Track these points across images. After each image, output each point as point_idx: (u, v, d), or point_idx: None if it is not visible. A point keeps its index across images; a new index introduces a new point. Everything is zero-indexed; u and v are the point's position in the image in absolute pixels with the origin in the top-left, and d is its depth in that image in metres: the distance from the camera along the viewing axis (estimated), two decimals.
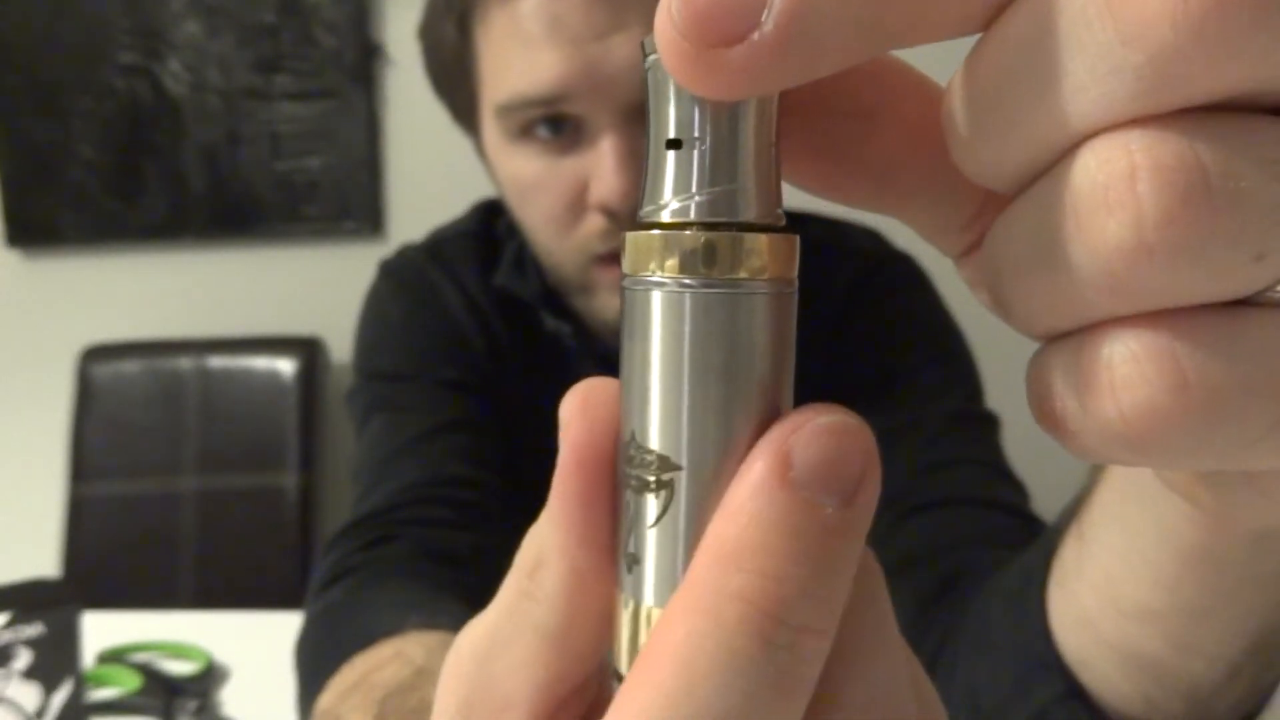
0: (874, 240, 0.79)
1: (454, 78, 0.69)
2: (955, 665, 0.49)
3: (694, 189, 0.16)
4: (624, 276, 0.17)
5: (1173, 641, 0.33)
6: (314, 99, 1.52)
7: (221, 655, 0.78)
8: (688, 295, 0.16)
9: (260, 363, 1.49)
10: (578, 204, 0.63)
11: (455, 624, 0.52)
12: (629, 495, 0.16)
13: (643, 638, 0.16)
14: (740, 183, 0.16)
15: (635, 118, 0.60)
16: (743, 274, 0.15)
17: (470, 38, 0.66)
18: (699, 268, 0.15)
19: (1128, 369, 0.14)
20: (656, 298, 0.16)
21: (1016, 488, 0.64)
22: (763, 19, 0.14)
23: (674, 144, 0.16)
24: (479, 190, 0.80)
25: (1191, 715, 0.36)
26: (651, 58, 0.16)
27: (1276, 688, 0.37)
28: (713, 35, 0.14)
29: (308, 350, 1.49)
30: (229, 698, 0.74)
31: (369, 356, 0.78)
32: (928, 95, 0.17)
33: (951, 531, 0.58)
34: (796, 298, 0.16)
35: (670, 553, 0.16)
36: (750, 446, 0.15)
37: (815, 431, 0.15)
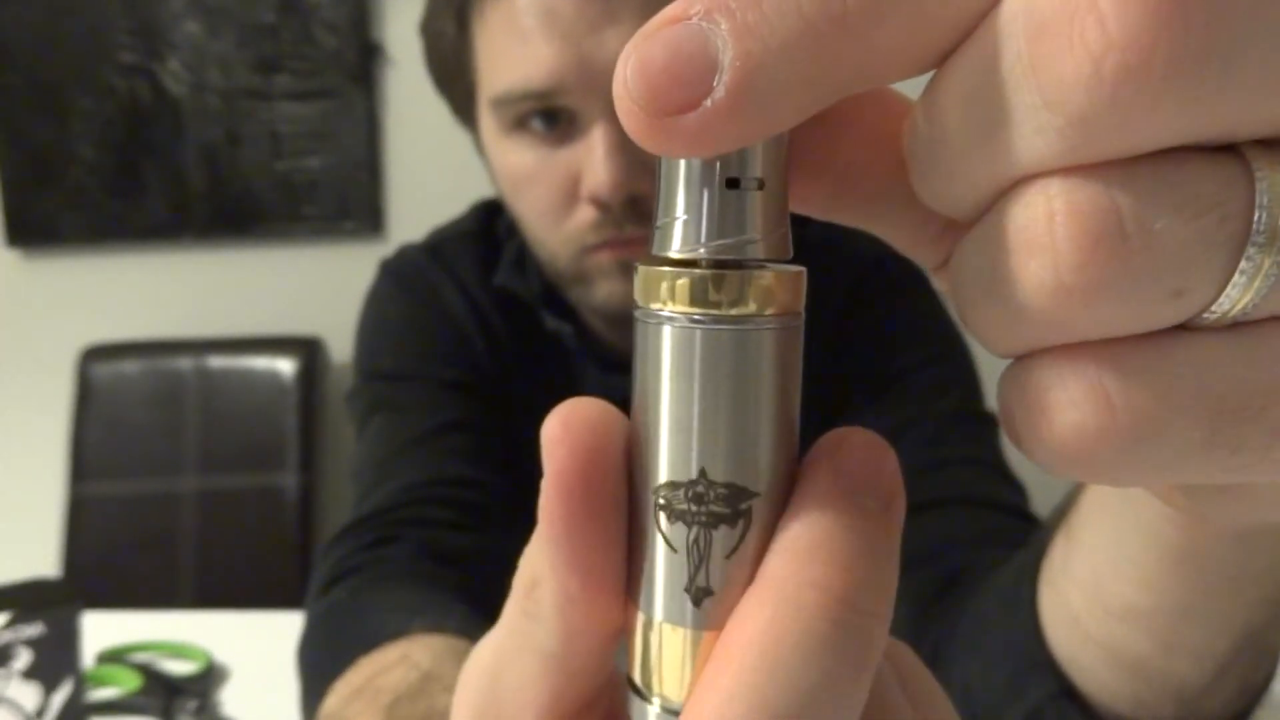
0: (874, 241, 0.78)
1: (453, 72, 0.69)
2: (952, 666, 0.49)
3: (704, 231, 0.16)
4: (635, 307, 0.17)
5: (1159, 641, 0.34)
6: (314, 99, 1.52)
7: (221, 655, 0.78)
8: (699, 331, 0.16)
9: (260, 363, 1.49)
10: (570, 196, 0.63)
11: (460, 627, 0.52)
12: (694, 532, 0.17)
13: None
14: (752, 226, 0.16)
15: None
16: (752, 311, 0.16)
17: (468, 32, 0.66)
18: (710, 304, 0.16)
19: (1057, 394, 0.15)
20: (668, 332, 0.16)
21: (1016, 487, 0.64)
22: (714, 85, 0.14)
23: (687, 182, 0.16)
24: (479, 190, 0.80)
25: (1181, 714, 0.36)
26: None
27: (1266, 689, 0.37)
28: (666, 104, 0.14)
29: (308, 350, 1.49)
30: (229, 698, 0.74)
31: (369, 356, 0.78)
32: (888, 103, 0.18)
33: (950, 531, 0.58)
34: (803, 326, 0.17)
35: (744, 576, 0.17)
36: (793, 464, 0.17)
37: (854, 446, 0.17)
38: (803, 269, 0.17)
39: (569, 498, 0.17)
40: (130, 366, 1.50)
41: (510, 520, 0.67)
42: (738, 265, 0.16)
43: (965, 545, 0.56)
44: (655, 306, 0.16)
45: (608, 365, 0.73)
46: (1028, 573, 0.41)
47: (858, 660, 0.16)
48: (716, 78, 0.14)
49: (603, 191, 0.60)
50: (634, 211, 0.61)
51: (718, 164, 0.16)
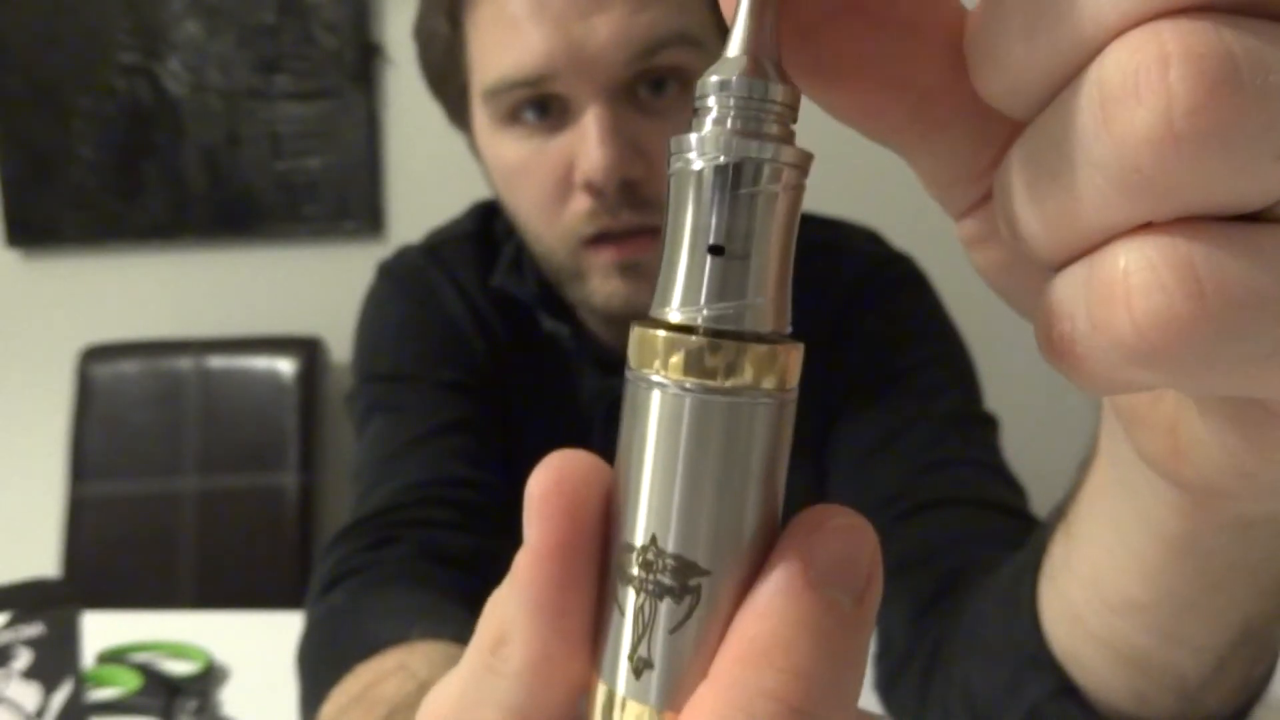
0: (874, 242, 0.79)
1: (446, 72, 0.69)
2: (952, 665, 0.49)
3: (704, 296, 0.16)
4: (628, 369, 0.17)
5: (1159, 634, 0.34)
6: (314, 99, 1.52)
7: (221, 655, 0.78)
8: (689, 399, 0.16)
9: (260, 363, 1.49)
10: (564, 185, 0.63)
11: (459, 632, 0.52)
12: (640, 599, 0.16)
13: None
14: (751, 296, 0.16)
15: (619, 95, 0.61)
16: (747, 383, 0.16)
17: (460, 29, 0.66)
18: (703, 373, 0.16)
19: (1144, 276, 0.14)
20: (657, 397, 0.16)
21: (1014, 488, 0.64)
22: None
23: (691, 248, 0.16)
24: (479, 190, 0.80)
25: (1182, 709, 0.36)
26: (676, 163, 0.16)
27: (1266, 684, 0.37)
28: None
29: (308, 350, 1.49)
30: (229, 698, 0.74)
31: (368, 358, 0.78)
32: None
33: (949, 532, 0.58)
34: (796, 402, 0.16)
35: (689, 657, 0.16)
36: (762, 547, 0.16)
37: (831, 533, 0.16)
38: (800, 344, 0.16)
39: (551, 562, 0.16)
40: (130, 366, 1.50)
41: (509, 521, 0.67)
42: (735, 335, 0.16)
43: (964, 545, 0.56)
44: (646, 371, 0.16)
45: (605, 366, 0.73)
46: (1027, 571, 0.41)
47: None
48: None
49: (596, 175, 0.60)
50: (628, 198, 0.61)
51: (712, 230, 0.16)
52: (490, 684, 0.18)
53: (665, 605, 0.16)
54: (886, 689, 0.58)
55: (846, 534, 0.16)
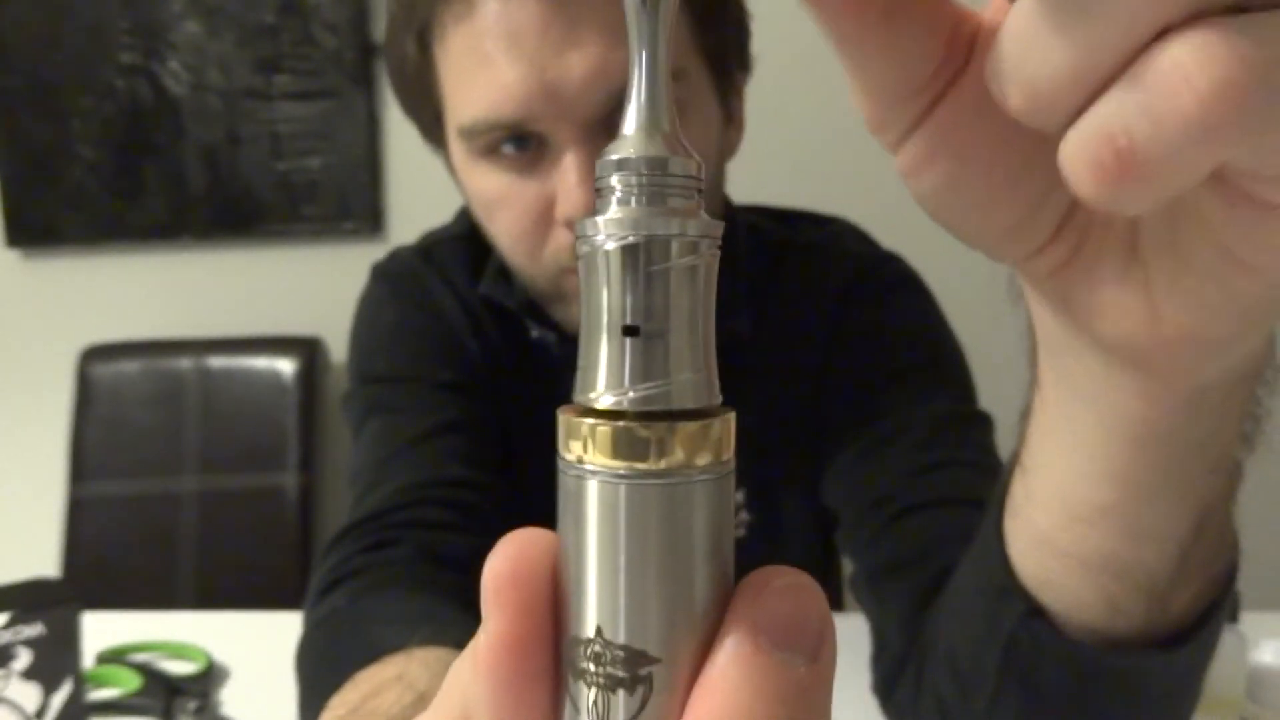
0: (865, 242, 0.79)
1: (418, 96, 0.69)
2: (937, 642, 0.50)
3: (627, 378, 0.15)
4: (559, 457, 0.16)
5: (1127, 532, 0.35)
6: (314, 99, 1.52)
7: (221, 655, 0.78)
8: (624, 486, 0.15)
9: (260, 363, 1.49)
10: (544, 220, 0.64)
11: (459, 637, 0.52)
12: (592, 692, 0.15)
13: None
14: (675, 373, 0.15)
15: (598, 132, 0.61)
16: (681, 462, 0.15)
17: (430, 55, 0.66)
18: (635, 457, 0.15)
19: (1198, 56, 0.16)
20: (592, 487, 0.15)
21: None
22: None
23: (609, 330, 0.16)
24: None
25: (1151, 616, 0.38)
26: (584, 246, 0.16)
27: (1226, 591, 0.39)
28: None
29: (308, 350, 1.49)
30: (229, 698, 0.74)
31: (364, 360, 0.78)
32: None
33: (944, 532, 0.58)
34: (734, 471, 0.16)
35: None
36: (713, 624, 0.15)
37: (775, 595, 0.15)
38: (732, 412, 0.16)
39: (509, 655, 0.16)
40: (130, 366, 1.50)
41: (508, 522, 0.67)
42: (664, 415, 0.15)
43: (960, 545, 0.56)
44: (577, 458, 0.16)
45: None
46: (989, 520, 0.43)
47: None
48: None
49: (578, 215, 0.60)
50: None
51: (629, 311, 0.15)
52: None
53: (620, 697, 0.15)
54: (884, 691, 0.58)
55: (792, 594, 0.16)
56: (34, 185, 1.58)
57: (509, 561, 0.17)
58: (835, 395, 0.70)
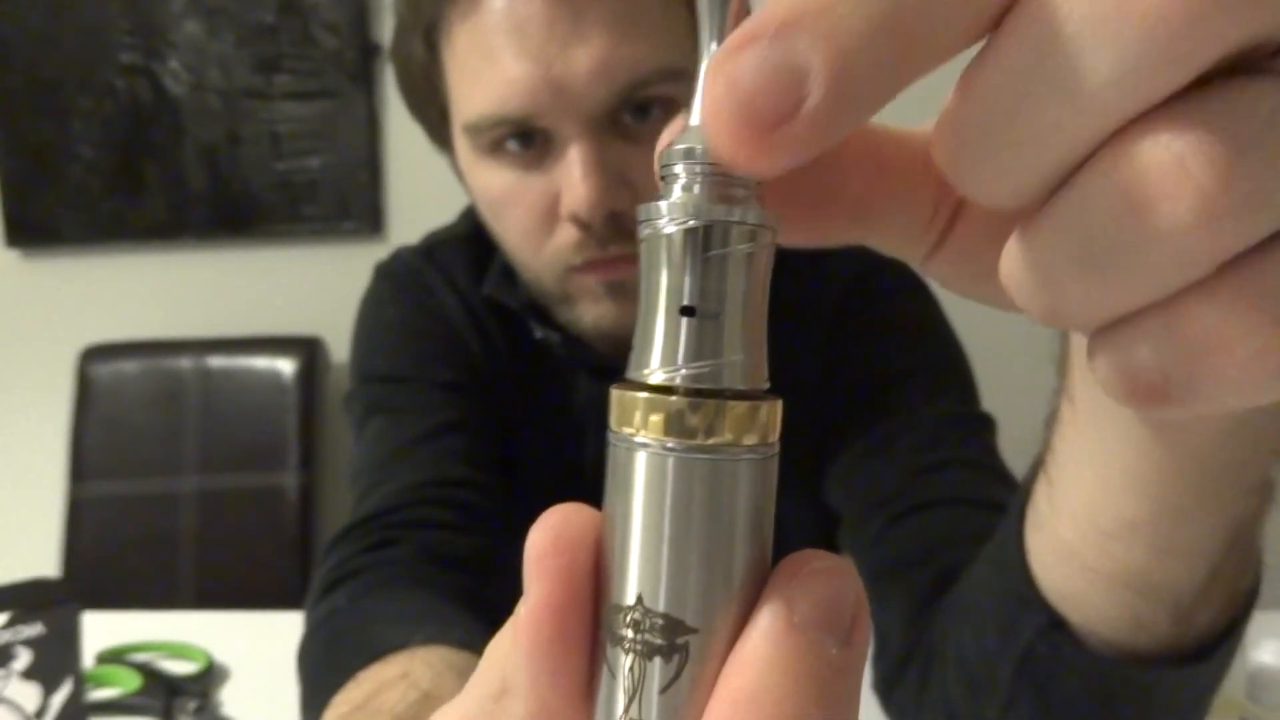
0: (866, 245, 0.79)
1: (425, 96, 0.69)
2: (946, 643, 0.50)
3: (680, 356, 0.16)
4: (609, 431, 0.17)
5: (1156, 549, 0.34)
6: (314, 99, 1.52)
7: (221, 655, 0.78)
8: (672, 459, 0.16)
9: (260, 363, 1.49)
10: (550, 216, 0.63)
11: (462, 638, 0.52)
12: (630, 659, 0.16)
13: None
14: (728, 354, 0.16)
15: (602, 126, 0.61)
16: (728, 441, 0.16)
17: (437, 54, 0.66)
18: (684, 433, 0.16)
19: (1232, 326, 0.15)
20: (641, 459, 0.16)
21: (1011, 488, 0.64)
22: (807, 90, 0.15)
23: (666, 310, 0.16)
24: None
25: (1175, 632, 0.37)
26: (646, 229, 0.17)
27: (1251, 601, 0.38)
28: (765, 118, 0.15)
29: (308, 350, 1.49)
30: (229, 698, 0.74)
31: (366, 359, 0.78)
32: (878, 133, 0.19)
33: (947, 532, 0.58)
34: (778, 456, 0.17)
35: (682, 714, 0.16)
36: (750, 600, 0.16)
37: (812, 576, 0.16)
38: (779, 399, 0.17)
39: (549, 624, 0.16)
40: (130, 366, 1.50)
41: (508, 522, 0.67)
42: (714, 394, 0.16)
43: (962, 545, 0.56)
44: (628, 431, 0.16)
45: (598, 373, 0.73)
46: (1010, 530, 0.42)
47: None
48: (810, 82, 0.15)
49: (582, 210, 0.60)
50: (615, 229, 0.61)
51: (686, 292, 0.16)
52: None
53: (656, 665, 0.16)
54: (885, 690, 0.58)
55: (828, 576, 0.16)
56: (34, 185, 1.58)
57: (550, 531, 0.17)
58: (838, 395, 0.70)
